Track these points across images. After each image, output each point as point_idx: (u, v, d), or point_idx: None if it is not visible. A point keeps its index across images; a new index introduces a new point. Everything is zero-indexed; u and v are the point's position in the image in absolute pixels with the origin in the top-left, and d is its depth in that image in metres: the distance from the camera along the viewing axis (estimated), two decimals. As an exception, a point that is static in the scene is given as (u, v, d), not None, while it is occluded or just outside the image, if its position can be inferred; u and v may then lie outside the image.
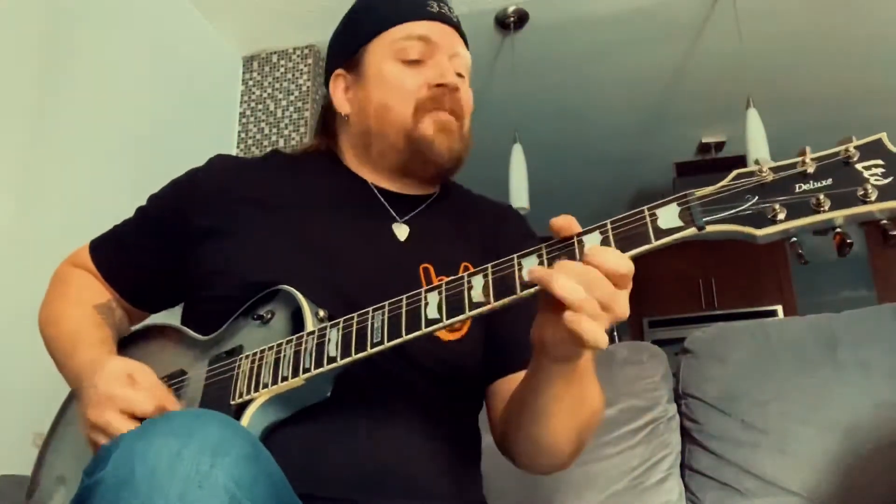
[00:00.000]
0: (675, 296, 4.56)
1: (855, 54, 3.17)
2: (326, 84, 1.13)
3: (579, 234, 0.75)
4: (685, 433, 1.58)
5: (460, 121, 1.05)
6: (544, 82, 3.30)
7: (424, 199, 1.08)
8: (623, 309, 0.72)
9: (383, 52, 1.05)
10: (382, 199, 1.06)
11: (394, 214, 1.05)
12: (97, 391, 0.88)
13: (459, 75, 1.06)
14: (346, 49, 1.10)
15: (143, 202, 1.14)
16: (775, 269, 4.44)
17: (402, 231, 1.03)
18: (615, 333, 2.69)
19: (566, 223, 0.75)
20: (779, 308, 4.35)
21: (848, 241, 0.70)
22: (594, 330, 0.70)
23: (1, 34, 1.84)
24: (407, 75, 1.03)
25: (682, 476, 1.54)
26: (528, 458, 0.97)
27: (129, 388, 0.88)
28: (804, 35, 3.03)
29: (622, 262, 0.71)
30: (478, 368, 1.02)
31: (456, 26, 1.08)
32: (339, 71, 1.10)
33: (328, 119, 1.14)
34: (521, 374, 0.95)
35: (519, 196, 2.82)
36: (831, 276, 4.48)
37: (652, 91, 3.47)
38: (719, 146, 4.01)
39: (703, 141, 3.99)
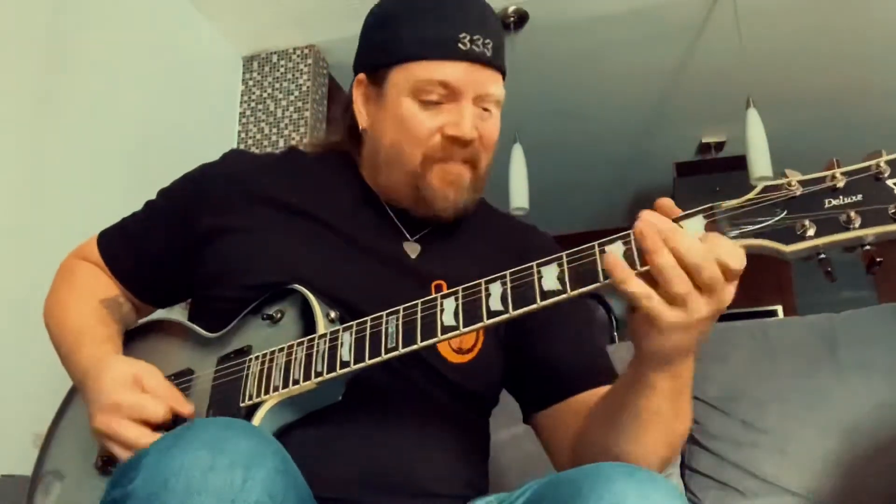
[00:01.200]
0: (675, 296, 4.55)
1: (855, 54, 3.17)
2: (355, 73, 1.06)
3: (601, 244, 0.74)
4: (685, 433, 1.58)
5: (474, 169, 0.98)
6: (544, 82, 3.30)
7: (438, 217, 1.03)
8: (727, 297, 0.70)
9: (403, 85, 0.96)
10: (394, 217, 1.03)
11: (405, 233, 1.02)
12: (103, 397, 0.87)
13: (486, 110, 0.98)
14: (369, 58, 1.02)
15: (143, 201, 1.13)
16: (775, 269, 4.43)
17: (413, 249, 1.01)
18: (615, 333, 2.69)
19: (665, 203, 0.74)
20: (779, 308, 4.34)
21: (878, 259, 0.68)
22: (664, 309, 0.69)
23: (2, 35, 1.84)
24: (422, 119, 0.95)
25: (682, 476, 1.54)
26: None
27: (136, 393, 0.86)
28: (804, 35, 3.03)
29: (735, 254, 0.69)
30: (491, 387, 1.01)
31: (489, 62, 0.97)
32: (362, 77, 1.03)
33: (349, 117, 1.07)
34: (579, 398, 0.94)
35: (519, 196, 2.82)
36: (831, 275, 4.47)
37: (652, 91, 3.47)
38: (719, 146, 4.01)
39: (703, 141, 3.99)
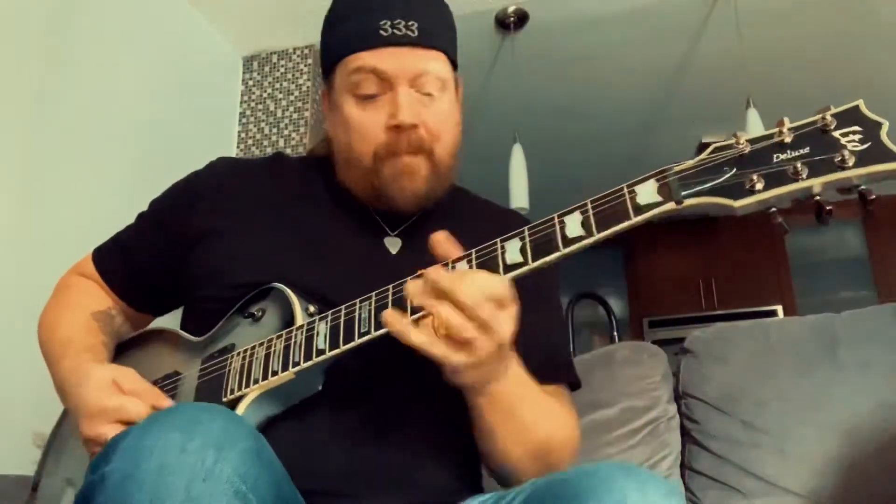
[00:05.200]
0: (675, 296, 4.56)
1: (855, 55, 3.17)
2: None
3: (560, 215, 0.78)
4: (685, 433, 1.58)
5: (428, 155, 0.98)
6: (544, 82, 3.30)
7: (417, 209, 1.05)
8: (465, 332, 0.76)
9: (341, 85, 0.99)
10: (374, 213, 1.04)
11: (385, 228, 1.04)
12: (86, 404, 0.88)
13: (429, 94, 0.98)
14: (323, 67, 1.05)
15: (144, 202, 1.14)
16: (775, 269, 4.44)
17: (394, 244, 1.03)
18: (615, 333, 2.69)
19: (442, 239, 0.82)
20: (779, 308, 4.35)
21: (827, 208, 0.70)
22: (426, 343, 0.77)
23: (0, 35, 1.84)
24: (363, 117, 0.97)
25: (682, 476, 1.54)
26: (499, 480, 0.98)
27: (118, 395, 0.88)
28: (804, 35, 3.03)
29: (499, 283, 0.76)
30: None
31: (416, 42, 0.97)
32: (324, 88, 1.06)
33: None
34: None
35: (519, 196, 2.81)
36: (831, 276, 4.48)
37: (652, 91, 3.47)
38: (719, 146, 4.01)
39: (703, 141, 3.99)
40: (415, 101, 0.97)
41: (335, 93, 1.02)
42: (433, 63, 0.98)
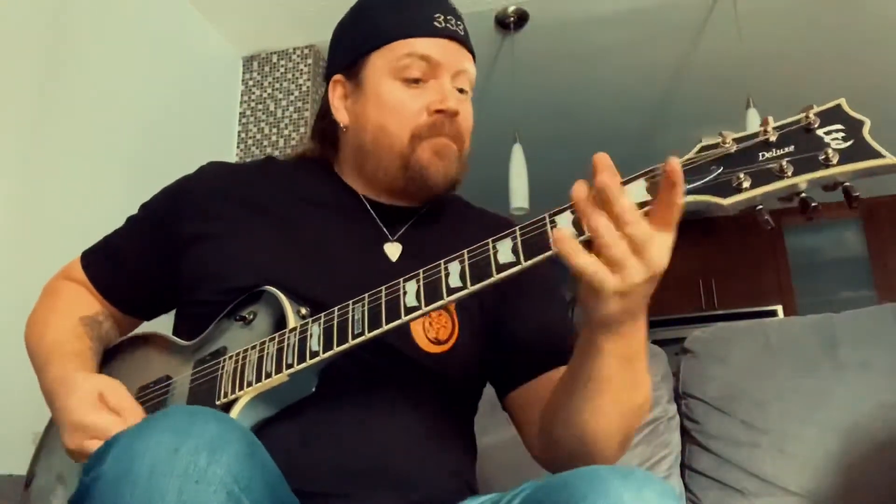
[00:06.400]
0: (675, 296, 4.56)
1: (855, 54, 3.17)
2: (326, 82, 1.11)
3: (551, 215, 0.77)
4: (685, 433, 1.58)
5: (459, 145, 1.02)
6: (544, 82, 3.30)
7: (417, 210, 1.06)
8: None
9: (384, 67, 1.01)
10: (374, 215, 1.04)
11: (386, 233, 1.03)
12: (70, 417, 0.88)
13: (462, 91, 1.03)
14: (346, 55, 1.06)
15: (144, 202, 1.14)
16: (775, 269, 4.44)
17: (394, 250, 1.02)
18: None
19: (604, 163, 0.74)
20: (779, 308, 4.35)
21: (813, 204, 0.71)
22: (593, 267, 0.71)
23: (1, 35, 1.84)
24: (406, 97, 1.00)
25: (682, 476, 1.54)
26: (575, 458, 0.88)
27: (102, 413, 0.88)
28: (804, 35, 3.03)
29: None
30: (470, 377, 1.01)
31: (462, 41, 1.03)
32: (339, 77, 1.06)
33: (325, 123, 1.11)
34: (545, 377, 0.95)
35: (519, 196, 2.81)
36: (831, 276, 4.48)
37: (652, 91, 3.47)
38: (719, 146, 4.01)
39: (704, 143, 3.98)
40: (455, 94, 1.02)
41: (367, 77, 1.02)
42: (470, 64, 1.04)
